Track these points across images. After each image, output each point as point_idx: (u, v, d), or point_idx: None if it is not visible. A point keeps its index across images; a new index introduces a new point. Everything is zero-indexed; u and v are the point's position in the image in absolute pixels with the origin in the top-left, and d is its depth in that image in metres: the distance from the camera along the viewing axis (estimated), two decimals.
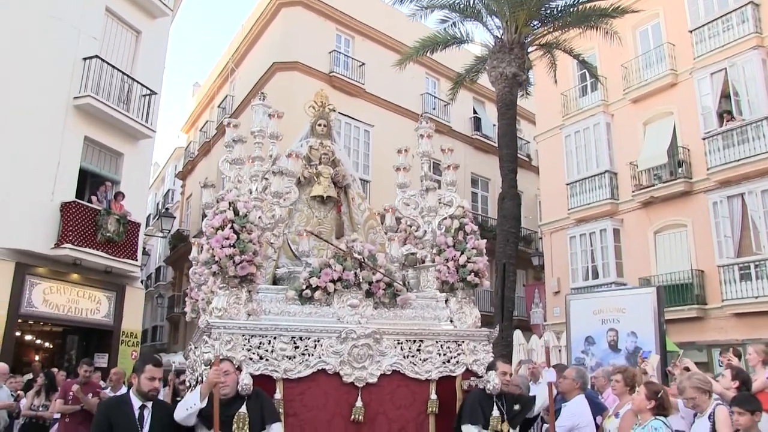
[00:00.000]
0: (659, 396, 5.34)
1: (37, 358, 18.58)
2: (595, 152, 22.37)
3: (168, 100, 78.26)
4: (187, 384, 7.02)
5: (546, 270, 24.26)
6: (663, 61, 20.77)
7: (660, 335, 9.21)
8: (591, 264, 21.88)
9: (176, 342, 29.50)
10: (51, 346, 18.86)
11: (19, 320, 15.63)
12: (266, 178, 6.81)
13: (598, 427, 6.58)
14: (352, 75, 24.20)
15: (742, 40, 18.31)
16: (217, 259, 5.73)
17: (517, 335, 15.98)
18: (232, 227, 5.79)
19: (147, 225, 25.84)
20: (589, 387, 7.46)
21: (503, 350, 15.67)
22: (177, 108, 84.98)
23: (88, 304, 16.70)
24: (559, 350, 14.36)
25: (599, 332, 9.93)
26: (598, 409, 6.99)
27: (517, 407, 6.07)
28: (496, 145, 21.04)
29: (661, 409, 5.34)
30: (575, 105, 23.62)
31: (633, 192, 20.69)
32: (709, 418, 5.32)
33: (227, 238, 5.73)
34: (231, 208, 5.90)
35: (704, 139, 18.72)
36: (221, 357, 5.34)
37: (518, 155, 28.69)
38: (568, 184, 22.97)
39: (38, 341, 19.10)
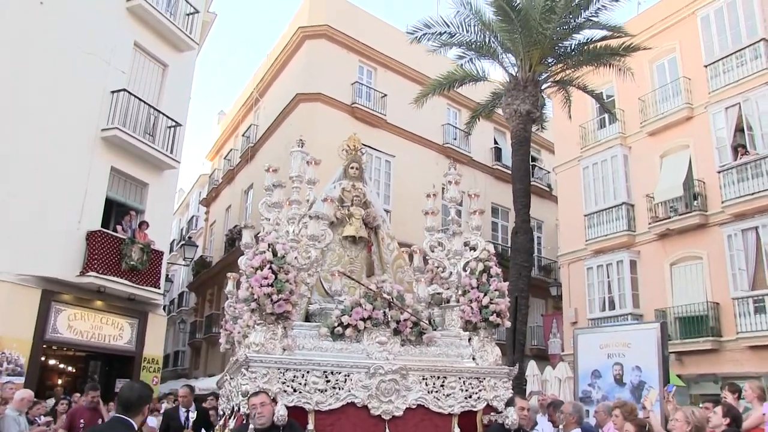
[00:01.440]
0: (646, 429, 5.94)
1: (59, 382, 18.98)
2: (613, 184, 22.76)
3: (193, 128, 79.32)
4: (221, 412, 7.43)
5: (564, 300, 24.56)
6: (679, 95, 21.21)
7: (663, 369, 9.52)
8: (608, 295, 22.17)
9: (197, 367, 29.81)
10: (74, 371, 19.30)
11: (44, 346, 16.01)
12: (303, 222, 7.28)
13: None
14: (374, 106, 24.65)
15: (755, 76, 18.73)
16: (256, 297, 6.18)
17: (531, 366, 16.26)
18: (270, 267, 6.23)
19: (171, 250, 26.32)
20: (585, 420, 7.94)
21: (514, 382, 15.96)
22: (202, 135, 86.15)
23: (111, 331, 17.11)
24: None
25: (605, 366, 10.27)
26: None
27: None
28: None
29: None
30: (593, 137, 24.05)
31: (649, 224, 21.02)
32: None
33: (266, 278, 6.18)
34: (270, 249, 6.35)
35: (719, 172, 19.10)
36: (258, 390, 5.80)
37: (539, 185, 29.43)
38: (586, 216, 23.35)
39: (61, 365, 19.52)
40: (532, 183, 29.12)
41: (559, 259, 25.58)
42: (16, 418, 8.56)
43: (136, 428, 4.21)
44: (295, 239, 6.91)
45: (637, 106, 22.28)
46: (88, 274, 15.79)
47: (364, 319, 6.69)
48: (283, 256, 6.33)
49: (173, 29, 19.22)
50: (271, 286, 6.17)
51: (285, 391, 6.11)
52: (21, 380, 13.93)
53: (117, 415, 4.30)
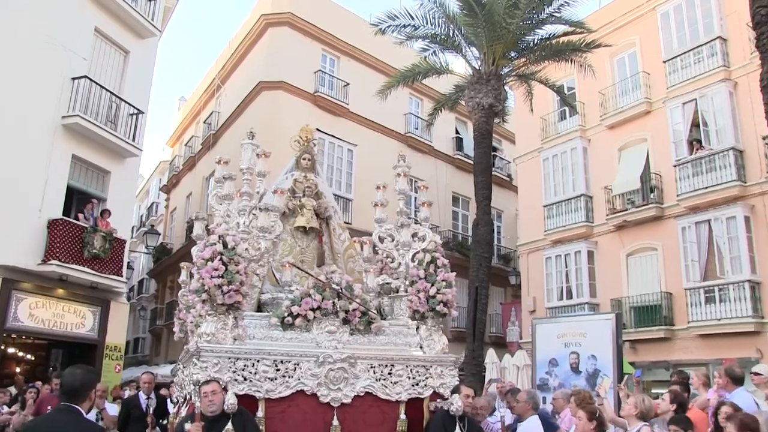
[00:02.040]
0: (597, 415, 6.08)
1: (18, 370, 18.85)
2: (572, 176, 23.18)
3: (154, 113, 78.41)
4: (175, 400, 7.55)
5: (522, 289, 24.98)
6: (638, 90, 21.66)
7: (618, 358, 9.78)
8: (566, 284, 22.62)
9: (158, 354, 29.73)
10: (33, 359, 19.18)
11: (4, 334, 15.95)
12: (253, 213, 7.41)
13: None
14: (337, 95, 24.65)
15: (711, 73, 19.22)
16: (206, 288, 6.31)
17: (490, 354, 16.52)
18: (221, 259, 6.37)
19: (131, 236, 26.19)
20: (541, 407, 8.13)
21: (474, 369, 16.39)
22: (162, 121, 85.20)
23: (73, 319, 17.02)
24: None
25: (562, 355, 10.52)
26: (551, 428, 7.69)
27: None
28: None
29: (601, 426, 6.07)
30: (554, 129, 24.43)
31: (607, 215, 21.47)
32: None
33: (216, 269, 6.31)
34: (220, 241, 6.49)
35: (675, 166, 19.58)
36: (209, 378, 5.94)
37: (499, 175, 29.73)
38: (545, 206, 23.75)
39: (20, 354, 19.39)
40: (492, 173, 29.58)
41: (518, 248, 25.97)
42: None
43: (85, 414, 4.15)
44: (245, 231, 7.04)
45: (597, 99, 22.65)
46: (50, 262, 15.70)
47: (313, 309, 6.84)
48: (234, 248, 6.45)
49: (135, 15, 19.03)
50: (222, 277, 6.29)
51: (236, 380, 6.23)
52: None
53: (63, 403, 4.17)
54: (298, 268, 7.47)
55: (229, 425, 5.69)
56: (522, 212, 26.02)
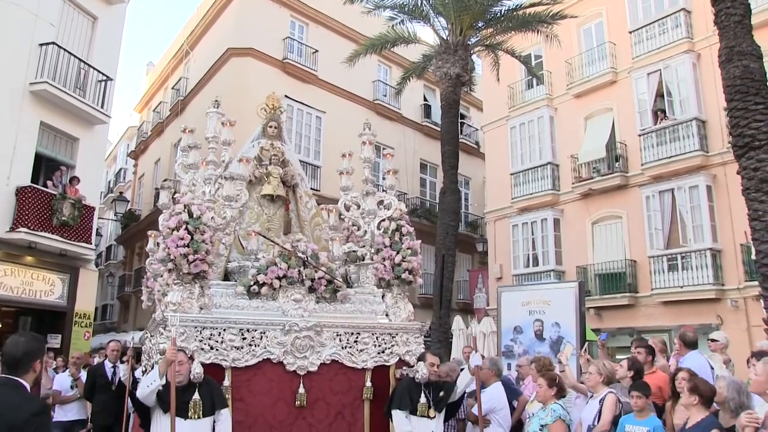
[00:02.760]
0: (557, 381, 6.32)
1: None
2: (539, 144, 23.17)
3: (122, 79, 76.89)
4: (143, 368, 7.48)
5: (489, 256, 25.03)
6: (604, 60, 21.62)
7: (581, 325, 9.90)
8: (532, 252, 22.73)
9: (126, 321, 29.49)
10: (0, 326, 18.90)
11: None
12: (219, 182, 7.29)
13: (513, 409, 7.48)
14: (306, 62, 24.31)
15: (675, 44, 19.26)
16: (172, 257, 6.22)
17: (457, 321, 16.57)
18: (186, 228, 6.26)
19: (100, 202, 25.86)
20: (504, 374, 8.35)
21: (441, 336, 16.51)
22: (130, 87, 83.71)
23: (42, 286, 16.91)
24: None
25: (527, 322, 10.58)
26: (513, 393, 7.90)
27: (441, 393, 6.65)
28: None
29: (561, 391, 6.33)
30: (521, 98, 24.35)
31: (573, 184, 21.56)
32: (599, 401, 6.26)
33: (182, 239, 6.21)
34: (186, 210, 6.38)
35: (640, 135, 19.67)
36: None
37: (467, 142, 29.71)
38: (512, 174, 23.74)
39: None
40: (460, 140, 29.43)
41: (485, 215, 26.00)
42: None
43: (29, 388, 3.64)
44: (211, 199, 6.93)
45: (564, 68, 22.60)
46: (18, 230, 15.55)
47: (279, 278, 6.79)
48: (199, 217, 6.35)
49: None
50: (187, 246, 6.21)
51: (202, 349, 6.18)
52: None
53: (3, 375, 3.61)
54: (264, 236, 7.40)
55: (196, 394, 5.68)
56: (489, 180, 26.01)
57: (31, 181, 16.34)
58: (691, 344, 7.73)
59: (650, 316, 18.78)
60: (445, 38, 19.04)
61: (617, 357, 15.97)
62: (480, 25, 19.39)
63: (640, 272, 19.40)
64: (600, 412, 6.20)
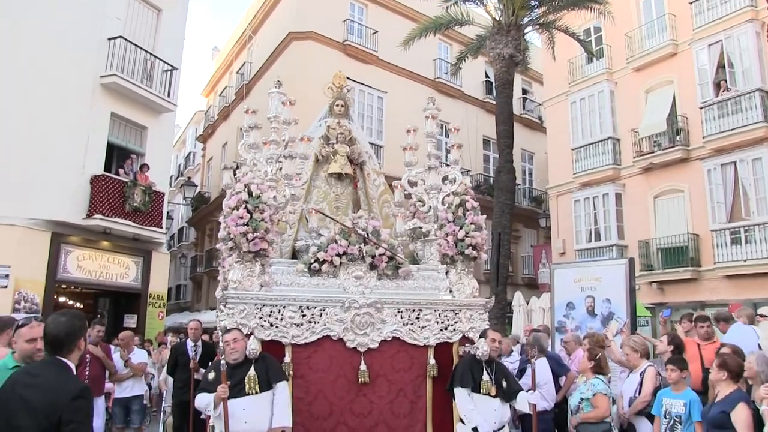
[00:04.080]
0: (597, 358, 6.49)
1: None
2: (599, 119, 22.43)
3: (187, 64, 77.38)
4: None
5: (552, 231, 24.47)
6: (664, 32, 20.68)
7: (631, 301, 9.75)
8: (594, 227, 22.08)
9: (199, 300, 29.83)
10: (82, 307, 19.39)
11: (56, 285, 16.17)
12: (280, 161, 7.08)
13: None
14: (366, 43, 24.04)
15: (737, 13, 18.25)
16: (232, 236, 6.09)
17: (518, 297, 16.24)
18: (246, 207, 6.13)
19: (169, 185, 26.26)
20: (549, 350, 8.48)
21: (498, 313, 16.32)
22: (196, 71, 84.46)
23: (118, 269, 17.29)
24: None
25: (579, 299, 10.45)
26: (562, 369, 7.99)
27: (505, 384, 6.31)
28: None
29: (599, 368, 6.55)
30: (581, 72, 23.53)
31: (634, 158, 20.80)
32: (640, 375, 6.44)
33: (241, 218, 6.08)
34: (246, 189, 6.23)
35: (701, 108, 18.80)
36: (230, 327, 5.79)
37: (530, 117, 29.23)
38: (573, 149, 23.07)
39: (70, 302, 19.61)
40: (523, 115, 29.18)
41: (547, 191, 25.38)
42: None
43: (73, 368, 3.54)
44: (273, 179, 6.74)
45: (623, 42, 21.75)
46: (94, 216, 15.91)
47: (339, 255, 6.56)
48: (259, 196, 6.20)
49: None
50: (247, 225, 6.07)
51: (262, 326, 6.07)
52: (38, 317, 14.05)
53: (50, 355, 3.53)
54: (323, 213, 7.19)
55: (252, 370, 5.59)
56: (551, 155, 25.28)
57: (104, 170, 16.72)
58: (726, 320, 7.88)
59: (713, 290, 18.04)
60: (497, 19, 18.57)
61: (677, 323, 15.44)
62: (533, 3, 18.89)
63: (702, 246, 18.62)
64: (641, 384, 6.35)
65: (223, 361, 5.45)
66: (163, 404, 10.64)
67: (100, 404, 8.43)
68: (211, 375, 5.64)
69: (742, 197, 17.70)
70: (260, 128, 6.94)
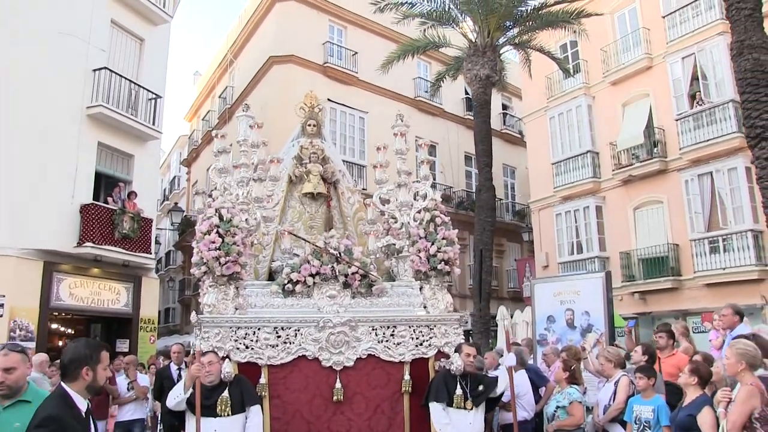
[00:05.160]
0: (572, 369, 6.69)
1: (60, 344, 18.97)
2: (578, 133, 22.50)
3: (170, 88, 77.26)
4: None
5: (535, 245, 24.39)
6: (639, 46, 20.84)
7: (608, 313, 9.83)
8: (576, 239, 22.07)
9: (188, 323, 29.19)
10: (73, 333, 19.32)
11: (48, 312, 16.04)
12: (251, 184, 7.08)
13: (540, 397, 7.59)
14: (346, 64, 24.03)
15: (709, 26, 18.38)
16: (205, 260, 6.08)
17: (501, 310, 16.11)
18: (217, 231, 6.13)
19: (156, 210, 26.13)
20: (530, 362, 8.65)
21: (481, 327, 16.42)
22: (179, 95, 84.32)
23: (109, 295, 17.22)
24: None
25: (559, 312, 10.48)
26: (542, 380, 8.11)
27: (480, 388, 6.31)
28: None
29: (573, 378, 6.77)
30: (559, 87, 23.61)
31: (613, 171, 20.85)
32: (614, 384, 6.57)
33: (213, 242, 6.08)
34: (217, 214, 6.23)
35: (677, 120, 18.88)
36: (204, 351, 5.74)
37: (510, 132, 29.35)
38: (553, 164, 23.12)
39: (62, 329, 19.55)
40: (503, 131, 29.34)
41: (530, 205, 25.39)
42: (42, 378, 8.71)
43: (73, 396, 3.46)
44: (245, 202, 6.75)
45: (599, 56, 21.92)
46: (85, 244, 15.87)
47: (312, 275, 6.55)
48: (230, 220, 6.22)
49: (147, 4, 18.78)
50: (219, 249, 6.08)
51: (238, 348, 6.06)
52: (32, 345, 14.28)
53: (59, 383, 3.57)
54: (294, 235, 7.16)
55: (226, 393, 5.56)
56: (532, 170, 25.27)
57: (93, 199, 16.67)
58: (742, 315, 7.75)
59: (694, 298, 18.03)
60: (473, 41, 18.75)
61: (654, 334, 15.44)
62: (508, 24, 19.05)
63: (682, 255, 18.63)
64: (615, 393, 6.49)
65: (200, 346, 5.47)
66: (159, 427, 10.63)
67: (101, 428, 8.41)
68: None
69: (719, 206, 17.75)
70: (229, 152, 6.95)
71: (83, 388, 3.53)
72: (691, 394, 5.31)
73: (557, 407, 6.66)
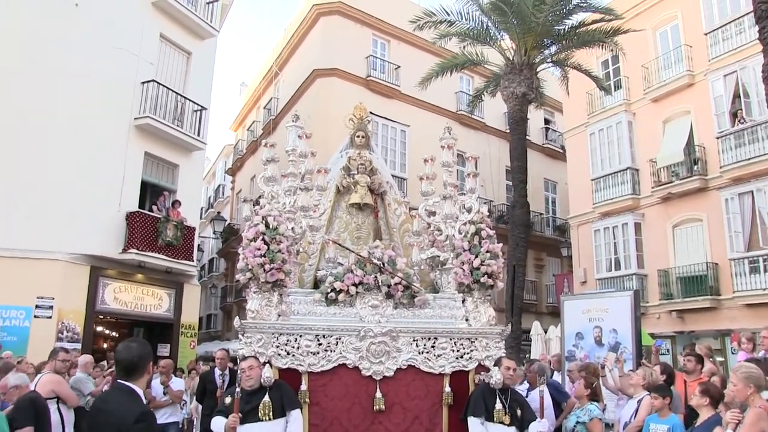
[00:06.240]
0: (593, 386, 6.72)
1: (105, 346, 19.24)
2: (618, 149, 22.18)
3: (216, 99, 77.55)
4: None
5: (574, 260, 24.09)
6: (681, 63, 20.49)
7: (636, 331, 9.85)
8: (614, 256, 21.70)
9: (230, 329, 29.52)
10: (117, 336, 19.58)
11: (94, 315, 16.39)
12: (298, 193, 7.07)
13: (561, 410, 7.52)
14: (389, 78, 24.07)
15: (752, 43, 17.80)
16: (250, 267, 6.09)
17: (536, 326, 16.00)
18: (263, 239, 6.13)
19: (200, 217, 26.40)
20: (551, 378, 8.75)
21: (512, 342, 16.32)
22: (225, 105, 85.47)
23: (152, 301, 17.48)
24: None
25: (587, 329, 10.53)
26: (563, 396, 8.03)
27: (520, 412, 6.12)
28: (531, 139, 21.20)
29: (594, 395, 6.77)
30: (599, 104, 23.28)
31: (653, 188, 20.50)
32: (637, 402, 6.66)
33: (258, 249, 6.09)
34: (263, 221, 6.24)
35: (718, 138, 18.50)
36: (246, 355, 5.78)
37: (552, 147, 29.22)
38: (593, 180, 22.81)
39: (106, 332, 19.82)
40: (545, 145, 29.28)
41: (569, 221, 25.12)
42: (87, 378, 8.98)
43: (141, 393, 3.66)
44: (291, 210, 6.74)
45: (641, 73, 21.60)
46: (130, 251, 16.16)
47: (355, 285, 6.52)
48: (276, 228, 6.21)
49: (195, 19, 19.13)
50: (264, 256, 6.08)
51: (279, 355, 6.05)
52: (78, 346, 14.68)
53: (119, 381, 3.65)
54: (338, 244, 7.13)
55: (266, 397, 5.55)
56: (571, 186, 24.99)
57: (139, 207, 16.99)
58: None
59: (733, 318, 17.55)
60: (510, 59, 18.74)
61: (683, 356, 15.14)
62: (545, 43, 19.05)
63: (721, 275, 18.19)
64: (637, 411, 6.55)
65: (238, 389, 5.41)
66: (194, 430, 10.70)
67: None
68: (228, 399, 5.62)
69: (760, 226, 17.32)
70: (278, 161, 6.96)
71: (144, 384, 3.74)
72: (704, 415, 5.35)
73: (577, 422, 6.61)
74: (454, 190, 7.53)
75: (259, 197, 7.04)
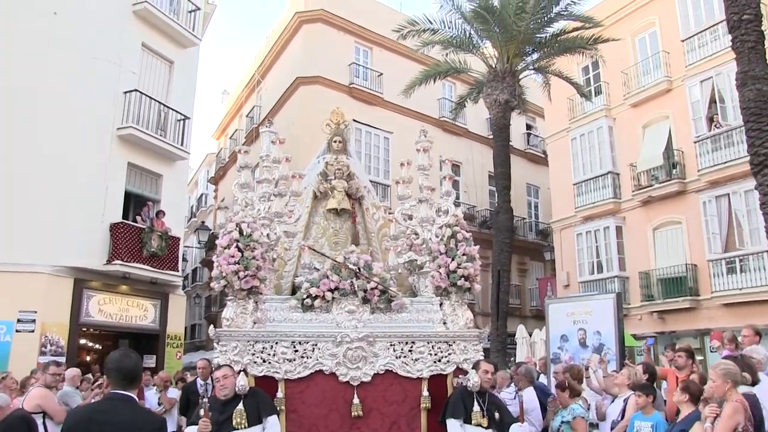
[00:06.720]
0: (566, 384, 6.76)
1: (88, 358, 19.01)
2: (599, 154, 22.33)
3: (198, 107, 77.26)
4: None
5: (557, 264, 24.17)
6: (659, 69, 20.71)
7: (619, 333, 9.93)
8: (596, 259, 21.81)
9: None
10: (101, 348, 19.35)
11: (79, 328, 16.20)
12: (272, 199, 6.99)
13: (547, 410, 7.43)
14: (371, 85, 24.04)
15: (727, 50, 17.84)
16: (224, 274, 5.99)
17: (520, 329, 15.97)
18: (237, 246, 6.03)
19: (184, 227, 26.17)
20: (537, 380, 8.72)
21: (498, 346, 16.31)
22: (207, 114, 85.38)
23: (137, 312, 17.22)
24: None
25: (572, 331, 10.58)
26: (548, 397, 7.92)
27: (497, 416, 6.07)
28: (513, 145, 21.21)
29: (573, 390, 6.71)
30: (580, 109, 23.40)
31: (633, 192, 20.63)
32: (623, 401, 6.80)
33: (233, 256, 5.98)
34: (237, 228, 6.14)
35: (695, 142, 18.67)
36: (221, 364, 5.68)
37: (534, 152, 29.37)
38: (574, 184, 22.91)
39: (90, 344, 19.57)
40: (527, 150, 29.44)
41: (551, 225, 25.17)
42: (74, 392, 8.81)
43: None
44: (267, 217, 6.64)
45: (620, 78, 21.78)
46: (114, 262, 15.93)
47: (331, 290, 6.43)
48: (250, 235, 6.12)
49: (177, 28, 18.93)
50: (238, 263, 5.97)
51: (255, 362, 5.95)
52: (62, 359, 14.04)
53: (115, 391, 3.51)
54: (314, 250, 7.05)
55: (240, 405, 5.44)
56: (554, 190, 25.04)
57: (122, 217, 16.72)
58: (760, 335, 7.84)
59: (712, 318, 17.72)
60: (493, 66, 18.81)
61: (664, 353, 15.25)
62: (527, 51, 19.22)
63: (700, 275, 18.39)
64: (624, 410, 6.67)
65: (205, 399, 5.33)
66: None
67: None
68: (202, 412, 5.50)
69: (737, 228, 17.57)
70: (251, 168, 6.89)
71: (136, 393, 3.65)
72: (684, 411, 5.54)
73: (562, 422, 6.57)
74: (430, 193, 7.45)
75: (235, 204, 6.96)
